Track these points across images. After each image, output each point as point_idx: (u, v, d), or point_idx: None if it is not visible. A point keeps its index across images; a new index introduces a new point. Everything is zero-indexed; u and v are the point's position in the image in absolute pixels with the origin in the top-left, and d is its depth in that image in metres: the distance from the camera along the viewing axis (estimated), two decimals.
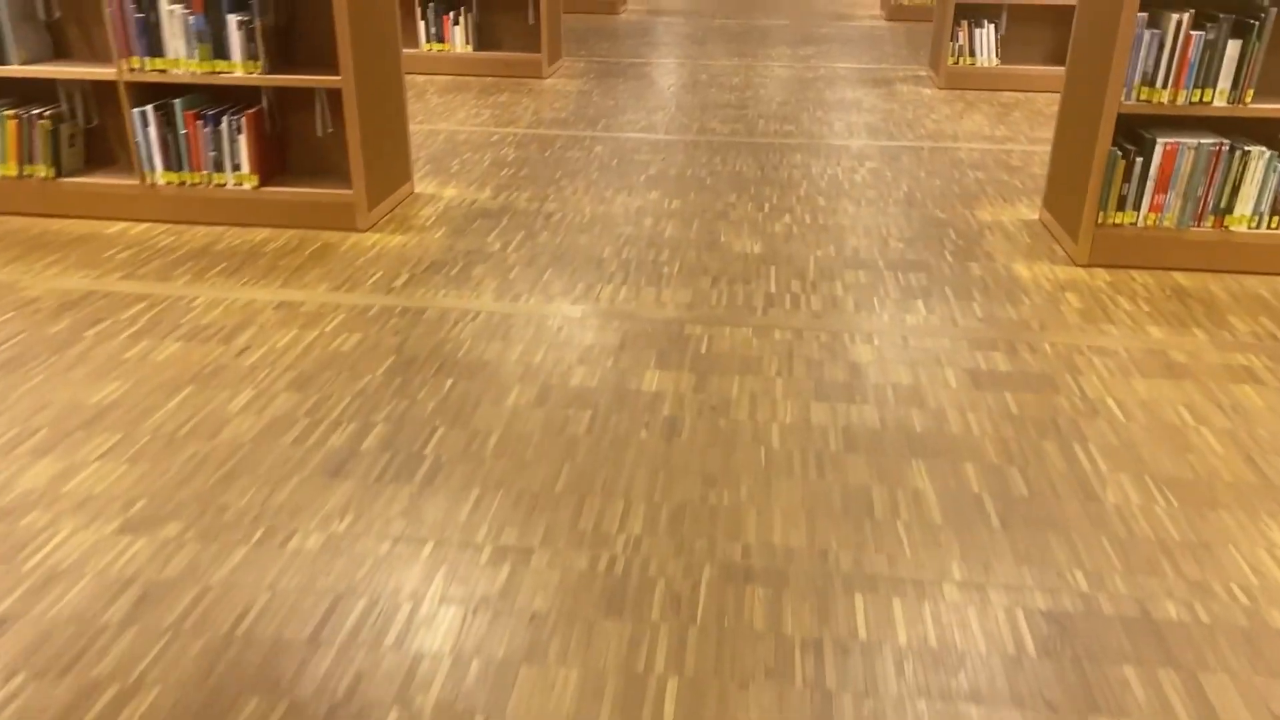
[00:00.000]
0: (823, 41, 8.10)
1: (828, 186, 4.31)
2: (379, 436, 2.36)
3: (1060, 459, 2.32)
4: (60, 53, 3.85)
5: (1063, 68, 6.34)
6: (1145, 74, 3.26)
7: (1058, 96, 6.20)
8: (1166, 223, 3.39)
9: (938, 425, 2.45)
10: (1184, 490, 2.21)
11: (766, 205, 4.05)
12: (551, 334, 2.89)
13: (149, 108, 3.59)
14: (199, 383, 2.59)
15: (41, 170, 3.73)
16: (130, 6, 3.48)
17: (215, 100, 3.76)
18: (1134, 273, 3.41)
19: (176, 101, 3.59)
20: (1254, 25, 3.16)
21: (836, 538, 2.03)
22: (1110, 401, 2.57)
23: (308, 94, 3.79)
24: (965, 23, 6.28)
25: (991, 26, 6.27)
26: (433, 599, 1.84)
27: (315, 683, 1.65)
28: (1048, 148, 5.00)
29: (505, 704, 1.61)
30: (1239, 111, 3.26)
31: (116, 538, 1.99)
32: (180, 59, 3.53)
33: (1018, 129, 5.37)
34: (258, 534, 2.01)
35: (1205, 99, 3.26)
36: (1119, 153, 3.33)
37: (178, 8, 3.47)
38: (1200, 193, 3.34)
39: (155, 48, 3.52)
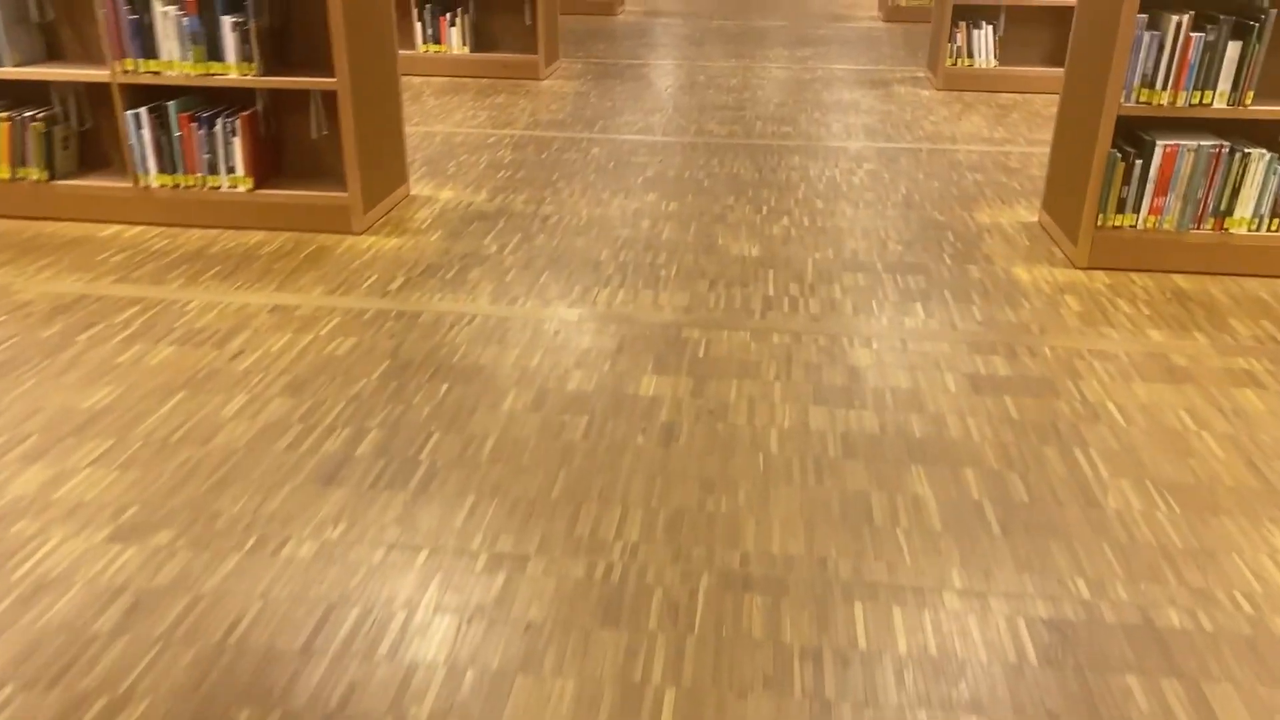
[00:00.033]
0: (820, 43, 8.08)
1: (826, 189, 4.29)
2: (373, 442, 2.34)
3: (1061, 464, 2.30)
4: (54, 54, 3.82)
5: (1061, 69, 6.32)
6: (1145, 75, 3.24)
7: (1056, 98, 6.19)
8: (1166, 225, 3.38)
9: (937, 430, 2.43)
10: (1185, 495, 2.19)
11: (764, 207, 4.03)
12: (548, 338, 2.87)
13: (143, 110, 3.57)
14: (192, 388, 2.57)
15: (34, 173, 3.70)
16: (124, 8, 3.45)
17: (209, 102, 3.74)
18: (1134, 275, 3.39)
19: (170, 104, 3.56)
20: (1254, 27, 3.14)
21: (835, 545, 2.00)
22: (1111, 406, 2.55)
23: (303, 96, 3.77)
24: (963, 24, 6.26)
25: (989, 28, 6.26)
26: (427, 608, 1.82)
27: (308, 694, 1.63)
28: (1046, 149, 4.99)
29: (500, 715, 1.59)
30: (1239, 113, 3.24)
31: (107, 546, 1.97)
32: (174, 61, 3.51)
33: (1016, 130, 5.35)
34: (250, 542, 1.99)
35: (1205, 101, 3.24)
36: (1118, 155, 3.31)
37: (171, 9, 3.44)
38: (1200, 195, 3.33)
39: (149, 49, 3.50)
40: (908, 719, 1.60)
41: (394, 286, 3.20)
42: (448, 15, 6.34)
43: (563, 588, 1.87)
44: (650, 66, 6.96)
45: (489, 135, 5.05)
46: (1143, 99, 3.27)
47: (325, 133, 3.81)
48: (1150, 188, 3.33)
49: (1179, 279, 3.37)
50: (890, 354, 2.81)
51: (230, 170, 3.63)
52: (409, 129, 5.14)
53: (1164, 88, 3.24)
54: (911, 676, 1.68)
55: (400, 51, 6.45)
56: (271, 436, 2.35)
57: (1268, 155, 3.26)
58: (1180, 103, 3.25)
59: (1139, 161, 3.31)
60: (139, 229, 3.67)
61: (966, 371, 2.72)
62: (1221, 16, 3.16)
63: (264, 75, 3.53)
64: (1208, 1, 3.37)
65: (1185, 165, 3.29)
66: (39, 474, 2.20)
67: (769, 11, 9.85)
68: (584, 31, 8.40)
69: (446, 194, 4.14)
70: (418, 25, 6.40)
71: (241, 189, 3.65)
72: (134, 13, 3.45)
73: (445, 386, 2.59)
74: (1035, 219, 3.96)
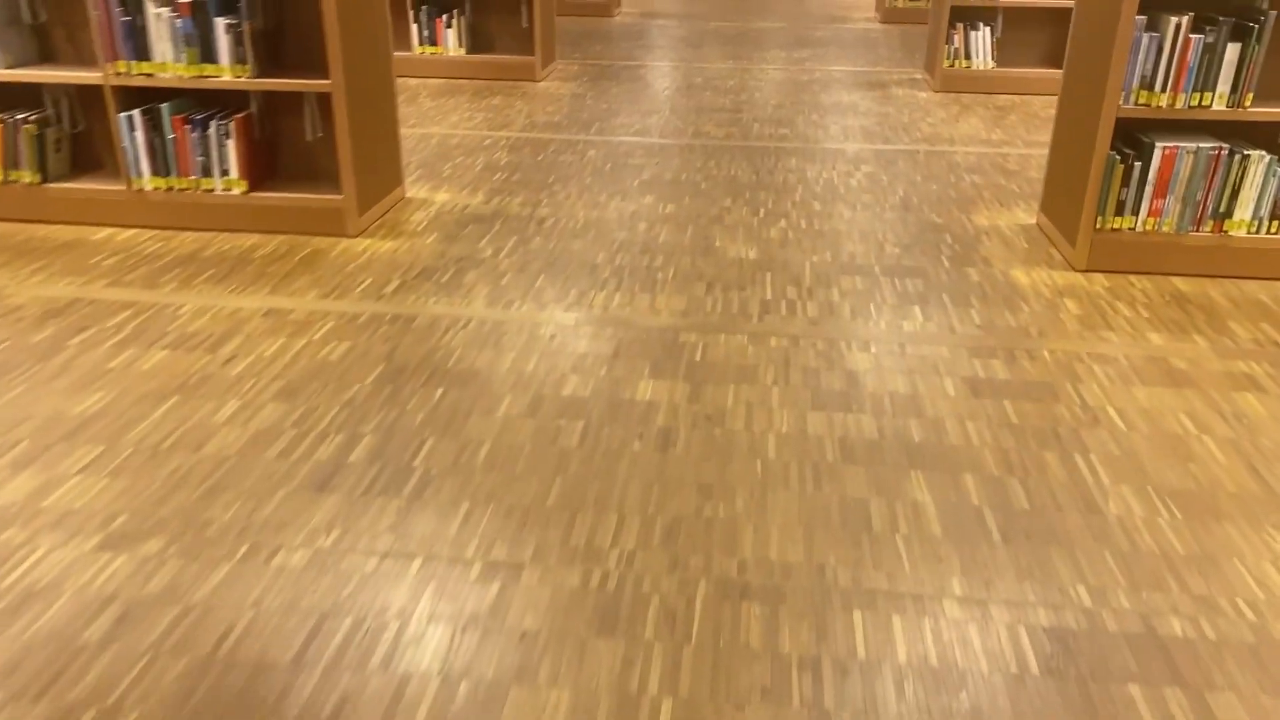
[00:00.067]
0: (817, 44, 8.06)
1: (823, 191, 4.27)
2: (367, 448, 2.31)
3: (1061, 470, 2.28)
4: (46, 57, 3.79)
5: (1059, 70, 6.31)
6: (1144, 77, 3.22)
7: (1054, 99, 6.17)
8: (1165, 227, 3.36)
9: (936, 435, 2.41)
10: (1187, 501, 2.17)
11: (762, 210, 4.01)
12: (544, 342, 2.85)
13: (136, 112, 3.54)
14: (184, 393, 2.54)
15: (27, 176, 3.68)
16: (116, 10, 3.43)
17: (203, 104, 3.71)
18: (1133, 278, 3.37)
19: (164, 106, 3.54)
20: (1253, 28, 3.12)
21: (834, 552, 1.98)
22: (1111, 410, 2.53)
23: (297, 98, 3.74)
24: (961, 25, 6.25)
25: (987, 29, 6.25)
26: (420, 617, 1.79)
27: (299, 706, 1.60)
28: (1044, 151, 4.97)
29: None
30: (1238, 115, 3.23)
31: (96, 554, 1.94)
32: (167, 63, 3.48)
33: (1014, 132, 5.34)
34: (242, 550, 1.96)
35: (1204, 103, 3.23)
36: (1117, 157, 3.29)
37: (164, 11, 3.42)
38: (1199, 197, 3.31)
39: (142, 51, 3.47)
40: None
41: (389, 290, 3.18)
42: (444, 17, 6.32)
43: (558, 597, 1.85)
44: (647, 68, 6.94)
45: (485, 137, 5.03)
46: (1142, 101, 3.25)
47: (320, 135, 3.78)
48: (1149, 190, 3.31)
49: (1178, 281, 3.35)
50: (889, 358, 2.79)
51: (224, 173, 3.60)
52: (405, 131, 5.12)
53: (1163, 89, 3.22)
54: (911, 687, 1.66)
55: (396, 53, 6.43)
56: (264, 443, 2.33)
57: (1267, 157, 3.24)
58: (1179, 104, 3.23)
59: (1138, 164, 3.29)
60: (132, 232, 3.64)
61: (965, 375, 2.70)
62: (1221, 18, 3.15)
63: (258, 77, 3.50)
64: (1207, 3, 3.35)
65: (1184, 167, 3.27)
66: (28, 481, 2.17)
67: (766, 13, 9.83)
68: (580, 33, 8.38)
69: (442, 196, 4.11)
70: (414, 27, 6.38)
71: (235, 192, 3.62)
72: (126, 14, 3.43)
73: (440, 391, 2.57)
74: (1034, 221, 3.95)
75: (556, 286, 3.24)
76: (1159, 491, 2.20)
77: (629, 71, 6.80)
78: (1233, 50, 3.16)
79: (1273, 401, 2.59)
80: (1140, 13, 3.25)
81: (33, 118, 3.66)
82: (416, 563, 1.93)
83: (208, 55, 3.46)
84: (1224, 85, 3.20)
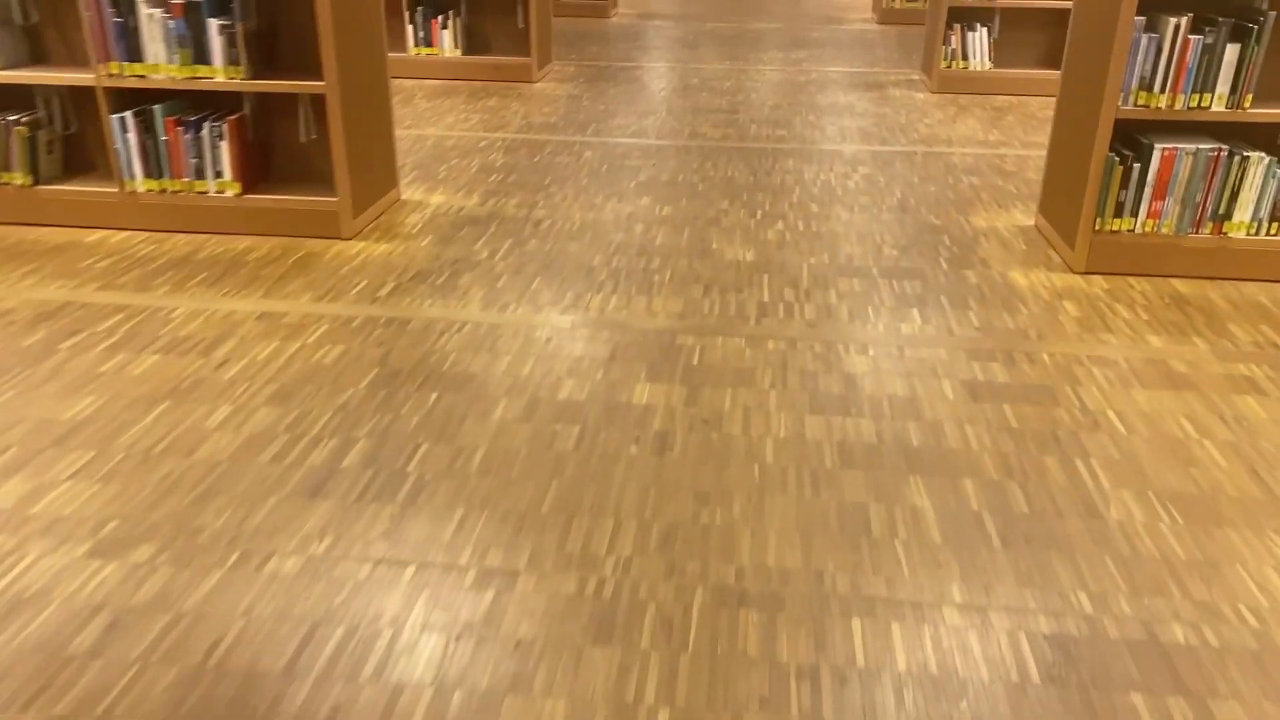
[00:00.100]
0: (814, 45, 8.05)
1: (820, 192, 4.25)
2: (361, 453, 2.29)
3: (1061, 474, 2.26)
4: (38, 58, 3.77)
5: (1056, 71, 6.30)
6: (1143, 78, 3.21)
7: (1051, 100, 6.16)
8: (1165, 229, 3.34)
9: (935, 439, 2.39)
10: (1188, 506, 2.15)
11: (759, 212, 3.99)
12: (540, 345, 2.83)
13: (128, 114, 3.52)
14: (176, 397, 2.52)
15: (18, 178, 3.65)
16: (109, 11, 3.40)
17: (196, 106, 3.69)
18: (1132, 280, 3.36)
19: (156, 108, 3.51)
20: (1253, 29, 3.11)
21: (833, 558, 1.96)
22: (1111, 413, 2.52)
23: (291, 100, 3.72)
24: (958, 26, 6.24)
25: (984, 30, 6.23)
26: (414, 626, 1.77)
27: (291, 716, 1.58)
28: (1042, 152, 4.96)
29: None
30: (1238, 116, 3.21)
31: (86, 562, 1.92)
32: (160, 64, 3.45)
33: (1011, 133, 5.32)
34: (233, 557, 1.94)
35: (1204, 104, 3.21)
36: (1116, 158, 3.28)
37: (157, 12, 3.39)
38: (1199, 199, 3.30)
39: (134, 53, 3.45)
40: None
41: (383, 293, 3.16)
42: (439, 18, 6.30)
43: (553, 604, 1.83)
44: (643, 69, 6.92)
45: (481, 139, 5.01)
46: (1141, 102, 3.23)
47: (314, 137, 3.76)
48: (1148, 191, 3.30)
49: (1178, 283, 3.33)
50: (887, 361, 2.77)
51: (217, 175, 3.58)
52: (400, 132, 5.09)
53: (1162, 90, 3.20)
54: (911, 695, 1.64)
55: (392, 54, 6.41)
56: (257, 448, 2.31)
57: (1266, 158, 3.23)
58: (1178, 105, 3.22)
59: (1137, 165, 3.27)
60: (124, 235, 3.62)
61: (964, 379, 2.68)
62: (1220, 19, 3.13)
63: (251, 78, 3.48)
64: (1206, 3, 3.33)
65: (1184, 169, 3.26)
66: (17, 487, 2.14)
67: (762, 14, 9.82)
68: (577, 34, 8.36)
69: (437, 198, 4.09)
70: (409, 28, 6.36)
71: (229, 194, 3.60)
72: (119, 15, 3.40)
73: (434, 395, 2.54)
74: (1032, 223, 3.93)
75: (552, 289, 3.22)
76: (1160, 496, 2.19)
77: (625, 72, 6.78)
78: (1232, 51, 3.14)
79: (1273, 404, 2.57)
80: (1139, 13, 3.24)
81: (25, 119, 3.63)
82: (410, 570, 1.91)
83: (201, 56, 3.44)
84: (1223, 86, 3.19)
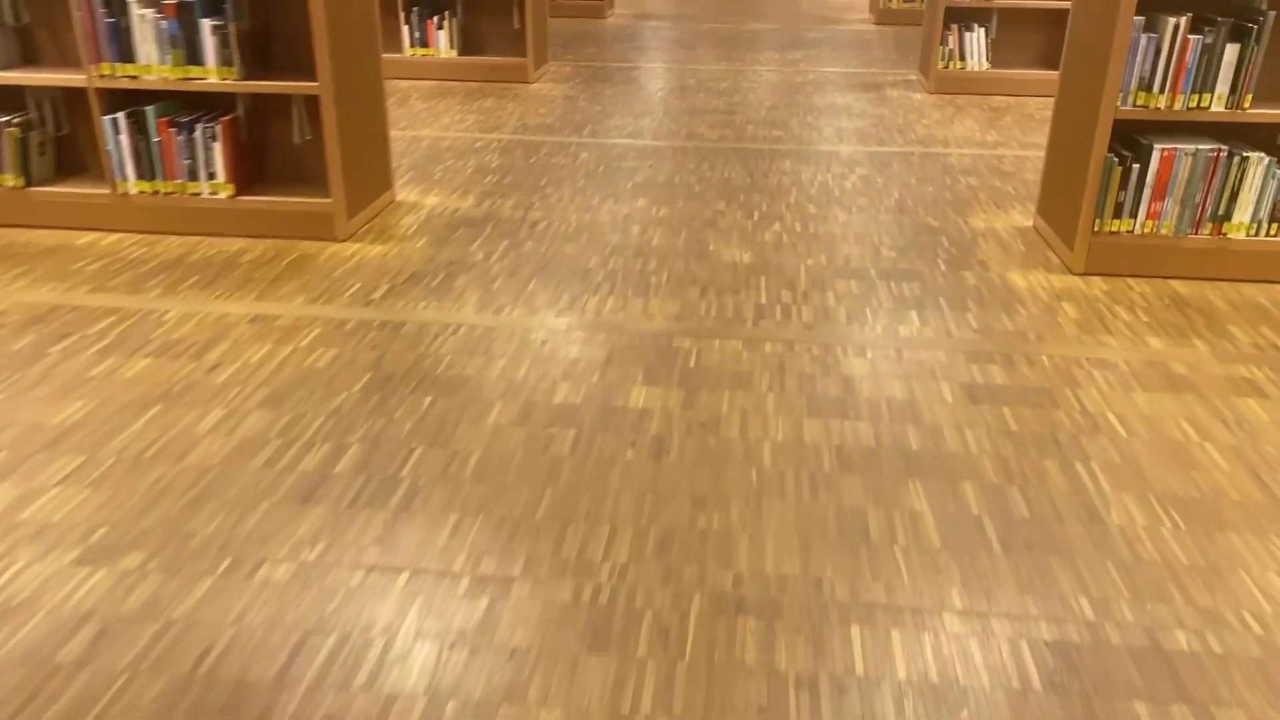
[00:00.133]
0: (811, 46, 8.03)
1: (818, 193, 4.23)
2: (353, 458, 2.26)
3: (1061, 477, 2.24)
4: (29, 59, 3.74)
5: (1054, 71, 6.28)
6: (1142, 79, 3.19)
7: (1049, 100, 6.14)
8: (1164, 230, 3.32)
9: (934, 443, 2.36)
10: (1190, 510, 2.13)
11: (756, 213, 3.97)
12: (535, 348, 2.80)
13: (120, 115, 3.49)
14: (167, 401, 2.49)
15: (10, 179, 3.62)
16: (100, 11, 3.37)
17: (189, 107, 3.66)
18: (1131, 281, 3.34)
19: (149, 109, 3.48)
20: (1252, 29, 3.09)
21: (831, 564, 1.94)
22: (1111, 416, 2.50)
23: (284, 100, 3.69)
24: (955, 26, 6.22)
25: (982, 30, 6.21)
26: (407, 634, 1.74)
27: None
28: (1040, 153, 4.94)
29: None
30: (1237, 117, 3.19)
31: (74, 569, 1.89)
32: (152, 65, 3.43)
33: (1009, 134, 5.30)
34: (224, 564, 1.91)
35: (1203, 104, 3.19)
36: (1115, 159, 3.26)
37: (149, 12, 3.36)
38: (1198, 199, 3.28)
39: (126, 53, 3.42)
40: None
41: (377, 295, 3.13)
42: (435, 18, 6.27)
43: (549, 612, 1.80)
44: (640, 70, 6.90)
45: (476, 140, 4.98)
46: (1140, 102, 3.21)
47: (308, 138, 3.73)
48: (1147, 192, 3.28)
49: (1177, 285, 3.31)
50: (885, 363, 2.75)
51: (210, 176, 3.55)
52: (395, 133, 5.07)
53: (1161, 91, 3.19)
54: (911, 704, 1.61)
55: (387, 55, 6.38)
56: (248, 452, 2.28)
57: (1266, 159, 3.21)
58: (1178, 106, 3.20)
59: (1136, 166, 3.25)
60: (116, 237, 3.59)
61: (963, 381, 2.66)
62: (1219, 18, 3.11)
63: (245, 79, 3.45)
64: (1205, 3, 3.32)
65: (1183, 169, 3.24)
66: (5, 493, 2.12)
67: (759, 14, 9.80)
68: (573, 34, 8.34)
69: (432, 200, 4.06)
70: (405, 28, 6.33)
71: (222, 195, 3.57)
72: (111, 15, 3.38)
73: (428, 399, 2.52)
74: (1030, 224, 3.91)
75: (548, 291, 3.19)
76: (1161, 500, 2.16)
77: (622, 73, 6.76)
78: (1231, 51, 3.12)
79: (1274, 407, 2.55)
80: (1138, 13, 3.22)
81: (16, 120, 3.60)
82: (403, 577, 1.89)
83: (193, 57, 3.41)
84: (1223, 86, 3.17)
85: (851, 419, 2.46)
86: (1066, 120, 3.54)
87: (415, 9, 6.28)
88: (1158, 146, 3.21)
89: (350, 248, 3.52)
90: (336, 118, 3.44)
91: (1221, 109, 3.20)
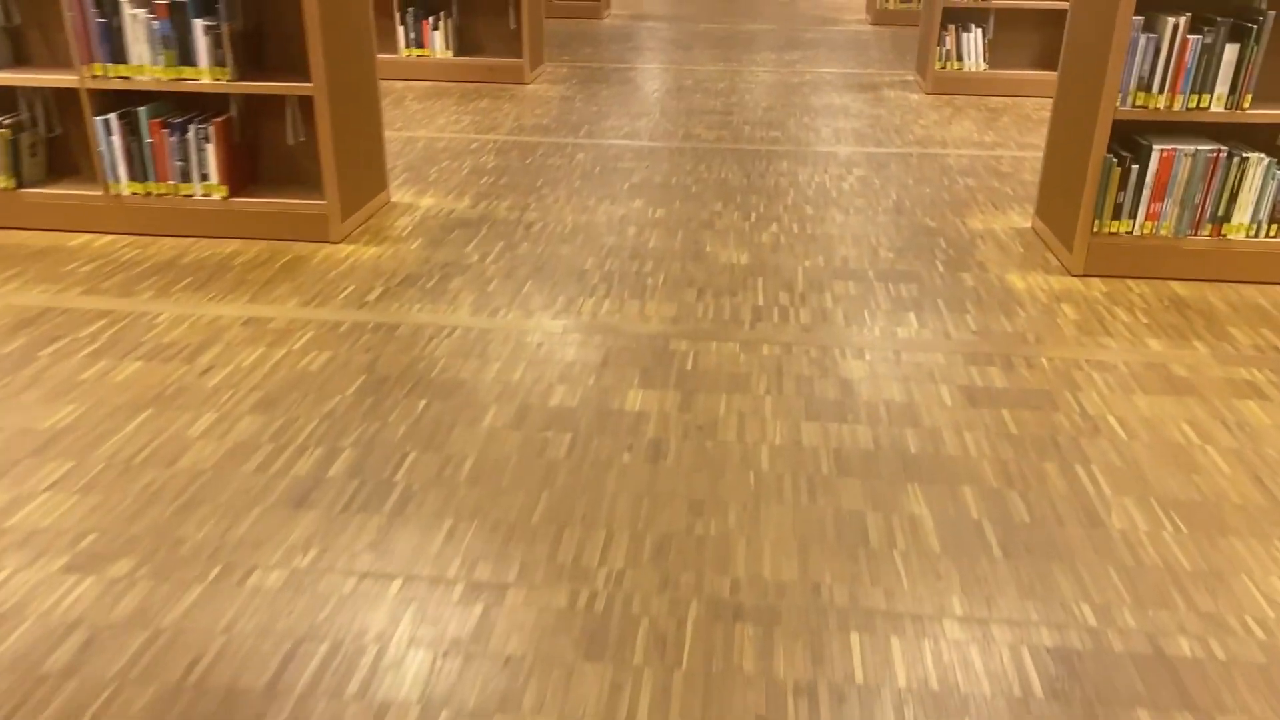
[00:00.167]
0: (808, 46, 8.01)
1: (815, 194, 4.21)
2: (347, 462, 2.24)
3: (1062, 481, 2.22)
4: (20, 59, 3.71)
5: (1051, 72, 6.27)
6: (1141, 79, 3.17)
7: (1047, 101, 6.13)
8: (1163, 231, 3.31)
9: (934, 446, 2.34)
10: (1192, 514, 2.11)
11: (753, 214, 3.95)
12: (531, 350, 2.78)
13: (112, 116, 3.46)
14: (159, 405, 2.46)
15: (1, 181, 3.59)
16: (92, 11, 3.35)
17: (181, 108, 3.64)
18: (1130, 282, 3.32)
19: (141, 109, 3.46)
20: (1252, 29, 3.07)
21: (830, 570, 1.92)
22: (1111, 419, 2.48)
23: (278, 101, 3.66)
24: (952, 27, 6.20)
25: (979, 30, 6.20)
26: (400, 642, 1.72)
27: None
28: (1038, 153, 4.92)
29: None
30: (1237, 117, 3.18)
31: (62, 576, 1.86)
32: (145, 65, 3.40)
33: (1007, 134, 5.29)
34: (215, 571, 1.89)
35: (1202, 104, 3.17)
36: (1114, 160, 3.24)
37: (141, 12, 3.34)
38: (1197, 200, 3.26)
39: (118, 54, 3.39)
40: None
41: (371, 297, 3.10)
42: (431, 19, 6.24)
43: (544, 619, 1.78)
44: (636, 70, 6.88)
45: (472, 140, 4.96)
46: (1139, 103, 3.19)
47: (302, 139, 3.71)
48: (1147, 193, 3.26)
49: (1177, 286, 3.30)
50: (883, 365, 2.73)
51: (203, 178, 3.52)
52: (390, 134, 5.04)
53: (1160, 91, 3.17)
54: (912, 712, 1.59)
55: (382, 55, 6.35)
56: (240, 457, 2.25)
57: (1266, 160, 3.19)
58: (1177, 106, 3.18)
59: (1135, 166, 3.23)
60: (109, 239, 3.56)
61: (962, 384, 2.64)
62: (1219, 18, 3.10)
63: (238, 80, 3.43)
64: (1205, 3, 3.30)
65: (1182, 170, 3.22)
66: None
67: (756, 15, 9.78)
68: (569, 35, 8.32)
69: (427, 201, 4.04)
70: (400, 29, 6.30)
71: (215, 197, 3.54)
72: (102, 16, 3.35)
73: (423, 403, 2.49)
74: (1029, 225, 3.89)
75: (544, 293, 3.17)
76: (1162, 503, 2.14)
77: (618, 74, 6.74)
78: (1231, 51, 3.11)
79: (1276, 409, 2.54)
80: (1137, 13, 3.20)
81: (7, 122, 3.58)
82: (397, 583, 1.86)
83: (186, 57, 3.39)
84: (1222, 86, 3.15)
85: (850, 422, 2.44)
86: (1065, 121, 3.52)
87: (410, 9, 6.26)
88: (1157, 147, 3.20)
89: (344, 249, 3.50)
90: (331, 118, 3.42)
91: (1221, 109, 3.18)
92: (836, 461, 2.28)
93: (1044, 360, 2.77)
